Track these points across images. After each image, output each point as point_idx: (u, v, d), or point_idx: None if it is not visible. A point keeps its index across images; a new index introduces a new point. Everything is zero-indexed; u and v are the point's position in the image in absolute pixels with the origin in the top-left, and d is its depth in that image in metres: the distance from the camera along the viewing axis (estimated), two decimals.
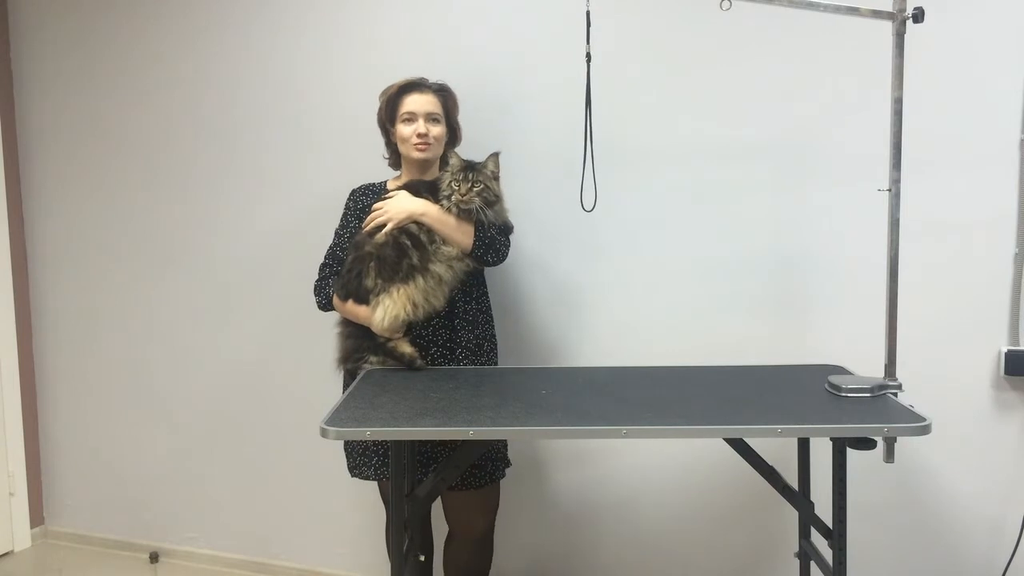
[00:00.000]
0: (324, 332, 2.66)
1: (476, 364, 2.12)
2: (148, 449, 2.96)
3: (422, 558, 2.01)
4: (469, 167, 2.04)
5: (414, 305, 1.99)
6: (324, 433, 1.57)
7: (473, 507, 2.12)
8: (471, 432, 1.56)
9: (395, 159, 2.22)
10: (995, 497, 2.17)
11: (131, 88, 2.82)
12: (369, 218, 2.07)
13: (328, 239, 2.63)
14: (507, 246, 2.10)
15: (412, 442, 1.96)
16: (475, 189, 2.01)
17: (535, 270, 2.41)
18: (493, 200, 2.05)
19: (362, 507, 2.68)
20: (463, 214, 2.02)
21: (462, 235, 2.02)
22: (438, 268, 2.02)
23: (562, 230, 2.38)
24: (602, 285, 2.39)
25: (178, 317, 2.86)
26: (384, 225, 2.02)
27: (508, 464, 2.20)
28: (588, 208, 2.01)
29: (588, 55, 1.90)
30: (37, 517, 3.13)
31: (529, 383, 1.90)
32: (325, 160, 2.61)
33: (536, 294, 2.43)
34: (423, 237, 2.02)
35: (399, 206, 2.04)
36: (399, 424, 1.59)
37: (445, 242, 2.03)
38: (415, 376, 1.97)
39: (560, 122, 2.33)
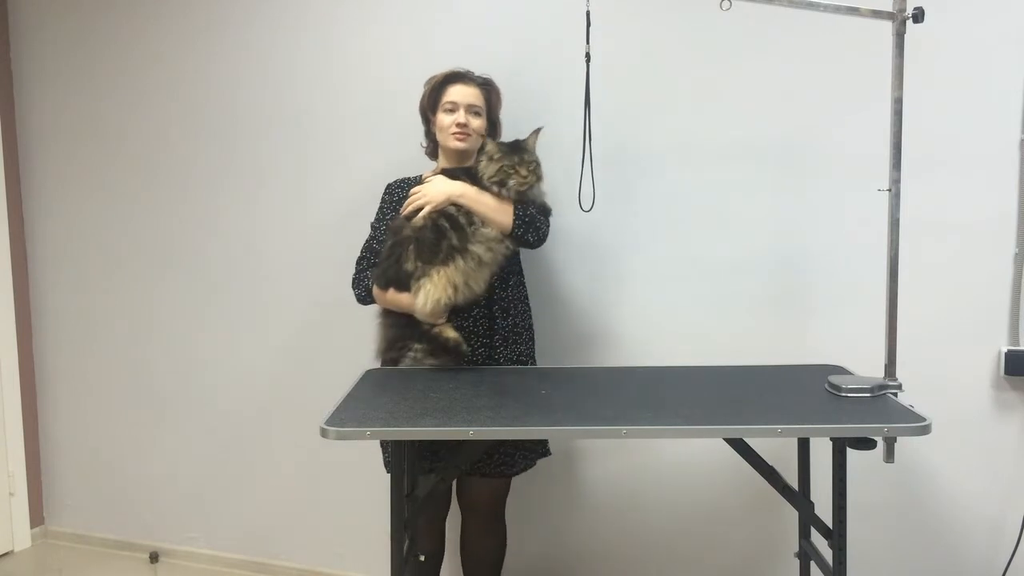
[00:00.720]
0: (323, 331, 2.67)
1: (513, 352, 2.12)
2: (148, 449, 2.96)
3: (422, 558, 2.01)
4: (516, 148, 2.03)
5: (455, 288, 1.98)
6: (324, 433, 1.57)
7: (481, 486, 2.15)
8: (471, 432, 1.56)
9: (433, 148, 2.22)
10: (995, 497, 2.17)
11: (131, 88, 2.82)
12: (407, 202, 2.06)
13: (327, 238, 2.63)
14: (548, 226, 2.09)
15: (414, 442, 1.95)
16: (531, 169, 2.02)
17: (532, 271, 2.40)
18: (541, 175, 2.07)
19: (362, 507, 2.68)
20: (505, 193, 2.01)
21: (501, 215, 2.01)
22: (478, 249, 2.00)
23: (560, 230, 2.38)
24: (601, 285, 2.39)
25: (178, 317, 2.86)
26: (421, 209, 2.02)
27: (542, 454, 2.20)
28: (586, 208, 2.01)
29: (588, 55, 1.91)
30: (37, 517, 3.13)
31: (529, 383, 1.90)
32: (326, 160, 2.61)
33: (533, 295, 2.43)
34: (462, 219, 2.01)
35: (437, 188, 2.03)
36: (399, 424, 1.59)
37: (484, 223, 2.02)
38: (415, 376, 1.97)
39: (561, 121, 2.32)
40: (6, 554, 3.03)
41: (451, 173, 2.09)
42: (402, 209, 2.07)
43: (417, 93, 2.20)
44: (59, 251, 3.01)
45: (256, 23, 2.64)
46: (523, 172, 2.01)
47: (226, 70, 2.70)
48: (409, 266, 2.00)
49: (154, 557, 2.94)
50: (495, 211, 2.02)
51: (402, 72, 2.47)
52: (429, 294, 1.97)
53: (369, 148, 2.55)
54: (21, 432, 3.04)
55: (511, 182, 2.01)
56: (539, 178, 2.05)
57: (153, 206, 2.84)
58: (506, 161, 2.02)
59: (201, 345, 2.84)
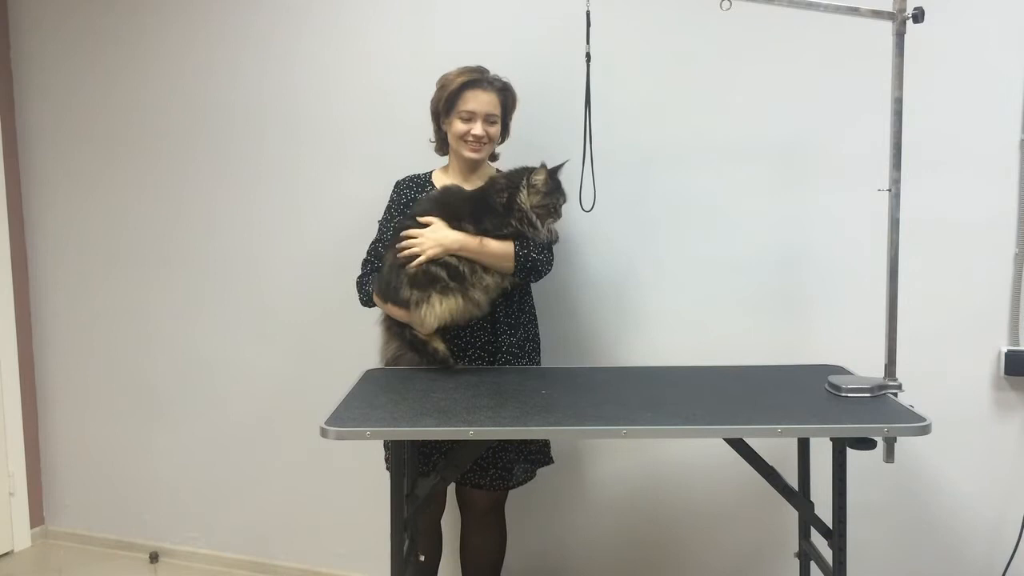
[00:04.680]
0: (323, 331, 2.67)
1: (518, 366, 2.12)
2: (148, 449, 2.96)
3: (422, 558, 2.01)
4: (559, 187, 2.04)
5: (452, 314, 1.98)
6: (324, 433, 1.57)
7: (480, 494, 2.15)
8: (471, 432, 1.56)
9: (442, 146, 2.19)
10: (995, 497, 2.17)
11: (131, 88, 2.82)
12: (401, 244, 2.00)
13: (328, 237, 2.63)
14: (549, 263, 2.08)
15: (414, 441, 1.95)
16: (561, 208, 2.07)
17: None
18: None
19: (362, 507, 2.68)
20: (509, 234, 2.01)
21: (504, 261, 2.01)
22: (476, 294, 2.00)
23: (560, 230, 2.38)
24: (601, 285, 2.39)
25: (177, 317, 2.86)
26: (415, 257, 1.97)
27: (543, 463, 2.20)
28: (587, 208, 2.01)
29: (588, 55, 1.91)
30: (37, 517, 3.13)
31: (529, 383, 1.90)
32: (326, 160, 2.61)
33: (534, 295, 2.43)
34: (463, 269, 1.99)
35: (433, 238, 1.98)
36: (399, 424, 1.59)
37: (486, 270, 2.00)
38: (415, 376, 1.97)
39: (561, 121, 2.32)
40: (6, 554, 3.02)
41: (455, 211, 2.01)
42: (396, 248, 2.00)
43: (418, 93, 2.20)
44: (59, 251, 3.01)
45: (256, 24, 2.64)
46: (560, 214, 2.05)
47: (226, 70, 2.70)
48: (405, 293, 1.98)
49: (154, 557, 2.94)
50: (497, 259, 2.00)
51: (403, 72, 2.47)
52: (425, 317, 1.97)
53: (369, 147, 2.55)
54: (21, 432, 3.04)
55: (548, 220, 2.03)
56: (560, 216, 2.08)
57: (153, 206, 2.84)
58: (551, 200, 2.03)
59: (201, 345, 2.84)
